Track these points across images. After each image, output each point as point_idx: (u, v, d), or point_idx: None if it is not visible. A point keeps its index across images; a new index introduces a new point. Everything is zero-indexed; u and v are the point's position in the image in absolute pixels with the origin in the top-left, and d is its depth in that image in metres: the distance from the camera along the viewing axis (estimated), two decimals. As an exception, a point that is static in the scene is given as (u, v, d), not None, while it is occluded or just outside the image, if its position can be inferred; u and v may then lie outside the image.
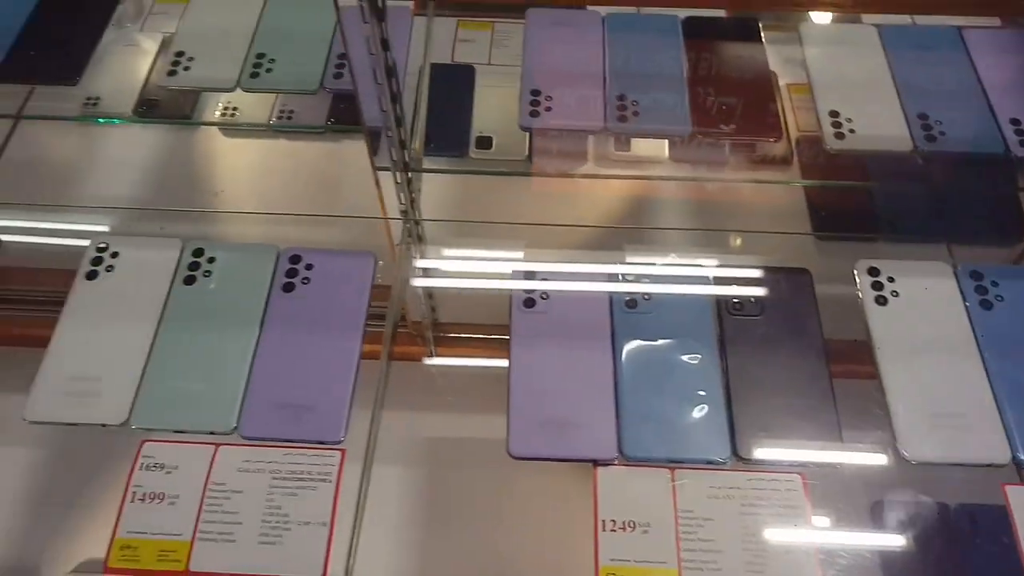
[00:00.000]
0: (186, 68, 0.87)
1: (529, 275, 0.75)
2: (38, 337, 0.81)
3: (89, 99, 1.17)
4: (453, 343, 0.87)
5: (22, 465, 0.89)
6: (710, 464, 0.66)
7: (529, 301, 0.73)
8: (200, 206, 1.11)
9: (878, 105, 0.83)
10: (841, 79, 0.85)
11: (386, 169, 0.78)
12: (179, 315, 0.73)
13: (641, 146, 1.08)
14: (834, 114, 0.83)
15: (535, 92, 0.85)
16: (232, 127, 1.18)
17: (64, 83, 0.89)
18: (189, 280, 0.74)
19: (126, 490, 0.65)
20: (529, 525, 0.73)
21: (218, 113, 1.15)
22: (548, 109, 0.84)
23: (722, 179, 1.10)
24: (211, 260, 0.75)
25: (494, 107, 1.10)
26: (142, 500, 0.65)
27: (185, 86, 0.87)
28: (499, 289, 0.76)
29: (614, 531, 0.63)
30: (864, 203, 1.07)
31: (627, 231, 1.04)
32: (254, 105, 1.15)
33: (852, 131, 0.81)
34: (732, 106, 0.85)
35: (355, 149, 1.17)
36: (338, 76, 0.87)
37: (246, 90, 0.86)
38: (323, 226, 0.93)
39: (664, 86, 0.85)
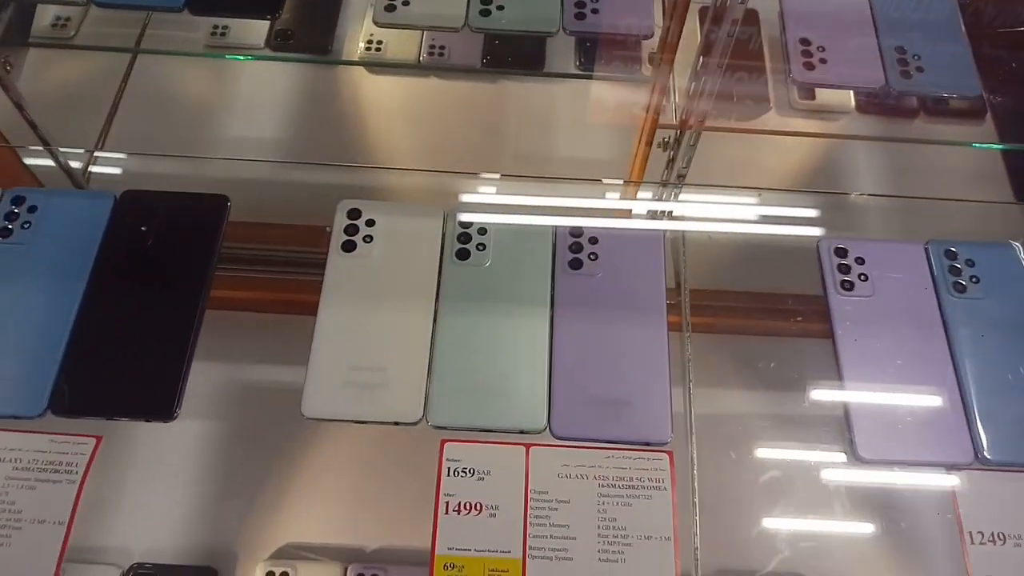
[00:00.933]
0: (405, 3, 0.76)
1: (841, 252, 0.67)
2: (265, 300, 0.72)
3: (216, 28, 1.05)
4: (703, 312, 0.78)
5: (197, 442, 0.80)
6: (1076, 468, 0.60)
7: (847, 284, 0.65)
8: (357, 149, 1.00)
9: None
10: None
11: (671, 127, 0.68)
12: (457, 295, 0.64)
13: (825, 94, 1.00)
14: None
15: (805, 41, 0.76)
16: (379, 64, 1.06)
17: (263, 17, 0.77)
18: (462, 254, 0.65)
19: (437, 499, 0.57)
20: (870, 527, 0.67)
21: (361, 47, 1.03)
22: (823, 61, 0.75)
23: (928, 141, 1.02)
24: (482, 231, 0.66)
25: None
26: (457, 512, 0.57)
27: (406, 23, 0.76)
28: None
29: (983, 544, 0.57)
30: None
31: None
32: (401, 40, 1.04)
33: None
34: (1017, 59, 0.77)
35: (519, 91, 1.07)
36: (580, 17, 0.76)
37: (476, 29, 0.76)
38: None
39: (942, 36, 0.77)
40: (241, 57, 1.04)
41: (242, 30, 1.05)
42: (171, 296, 0.62)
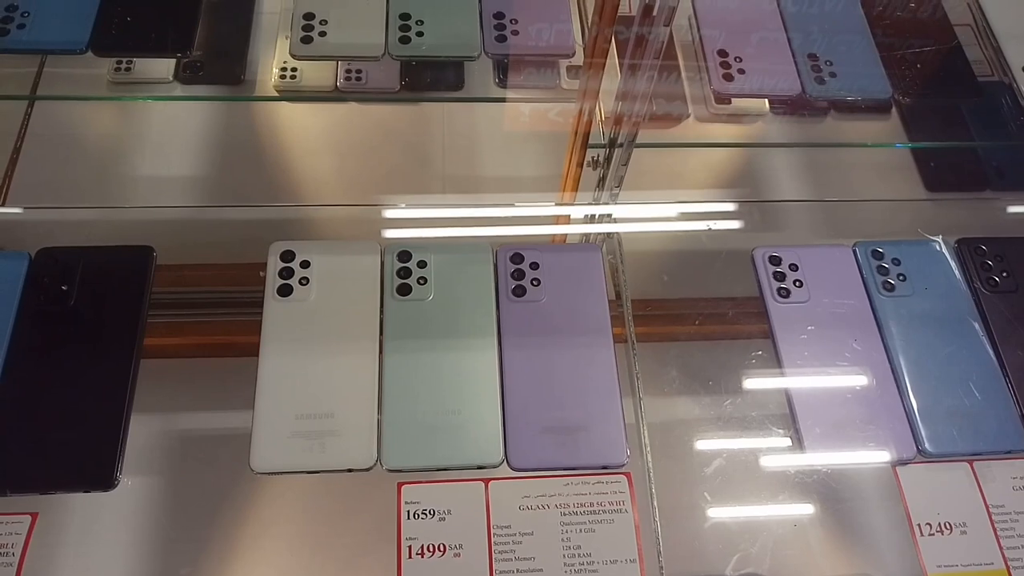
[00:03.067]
0: (322, 33, 0.75)
1: (775, 260, 0.68)
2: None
3: (120, 63, 1.01)
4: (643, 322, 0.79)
5: (138, 501, 0.77)
6: (1009, 454, 0.63)
7: (783, 291, 0.67)
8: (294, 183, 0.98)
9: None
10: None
11: (600, 147, 0.69)
12: (401, 332, 0.63)
13: (741, 99, 1.02)
14: (1028, 69, 0.79)
15: (722, 53, 0.77)
16: (295, 92, 1.03)
17: (173, 55, 0.74)
18: (403, 290, 0.64)
19: (399, 544, 0.56)
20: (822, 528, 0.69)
21: (275, 74, 1.00)
22: (741, 72, 0.77)
23: (852, 144, 1.06)
24: (421, 264, 0.65)
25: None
26: (421, 555, 0.56)
27: (325, 55, 0.75)
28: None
29: (932, 535, 0.60)
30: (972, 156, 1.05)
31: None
32: (317, 65, 1.02)
33: (1047, 87, 0.78)
34: (923, 61, 0.80)
35: (442, 111, 1.06)
36: (500, 39, 0.76)
37: (396, 57, 0.74)
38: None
39: (851, 42, 0.80)
40: (151, 98, 1.01)
41: (149, 63, 1.01)
42: (101, 357, 0.59)
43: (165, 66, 1.01)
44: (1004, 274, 0.69)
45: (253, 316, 0.63)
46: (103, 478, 0.55)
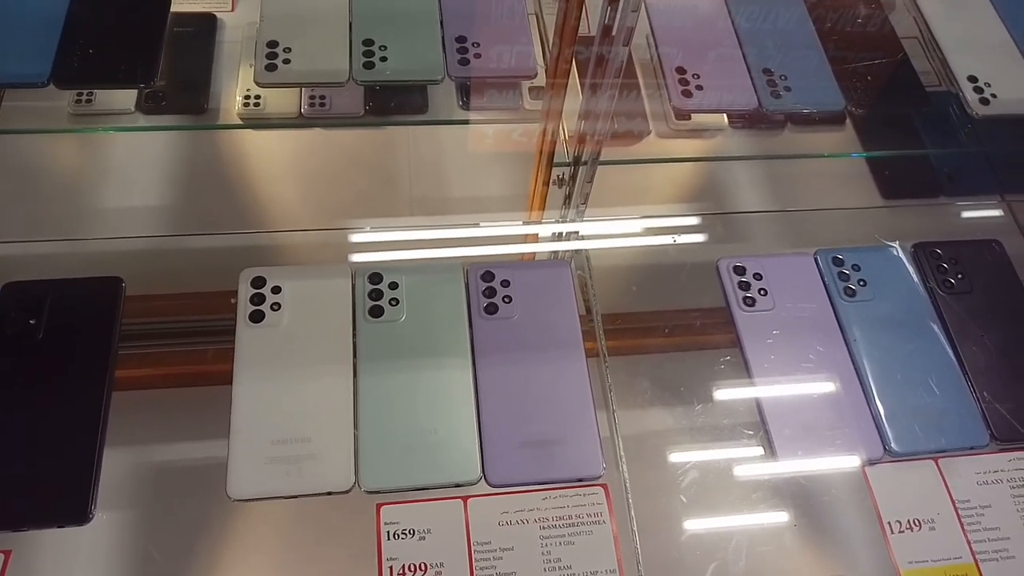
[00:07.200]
0: (286, 61, 0.75)
1: (739, 270, 0.70)
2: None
3: (81, 95, 1.00)
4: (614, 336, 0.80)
5: (114, 536, 0.76)
6: (972, 450, 0.64)
7: (749, 300, 0.69)
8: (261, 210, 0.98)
9: (1014, 68, 0.83)
10: (970, 41, 0.85)
11: (565, 165, 0.70)
12: (375, 354, 0.63)
13: (701, 115, 1.05)
14: (973, 79, 0.82)
15: (680, 70, 0.79)
16: (260, 120, 1.04)
17: (136, 85, 0.75)
18: (375, 312, 0.64)
19: (380, 565, 0.56)
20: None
21: (239, 103, 1.01)
22: (699, 88, 0.78)
23: (810, 155, 1.08)
24: (393, 286, 0.66)
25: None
26: (402, 575, 0.56)
27: (289, 82, 0.75)
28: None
29: (902, 532, 0.61)
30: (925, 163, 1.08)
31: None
32: (280, 92, 1.02)
33: (995, 96, 0.81)
34: (873, 73, 0.83)
35: (407, 134, 1.07)
36: (463, 63, 0.77)
37: (361, 82, 0.75)
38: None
39: (804, 56, 0.82)
40: (114, 129, 1.00)
41: (110, 95, 1.00)
42: (72, 391, 0.59)
43: (127, 97, 1.01)
44: (959, 276, 0.72)
45: (225, 344, 0.64)
46: (77, 512, 0.55)
